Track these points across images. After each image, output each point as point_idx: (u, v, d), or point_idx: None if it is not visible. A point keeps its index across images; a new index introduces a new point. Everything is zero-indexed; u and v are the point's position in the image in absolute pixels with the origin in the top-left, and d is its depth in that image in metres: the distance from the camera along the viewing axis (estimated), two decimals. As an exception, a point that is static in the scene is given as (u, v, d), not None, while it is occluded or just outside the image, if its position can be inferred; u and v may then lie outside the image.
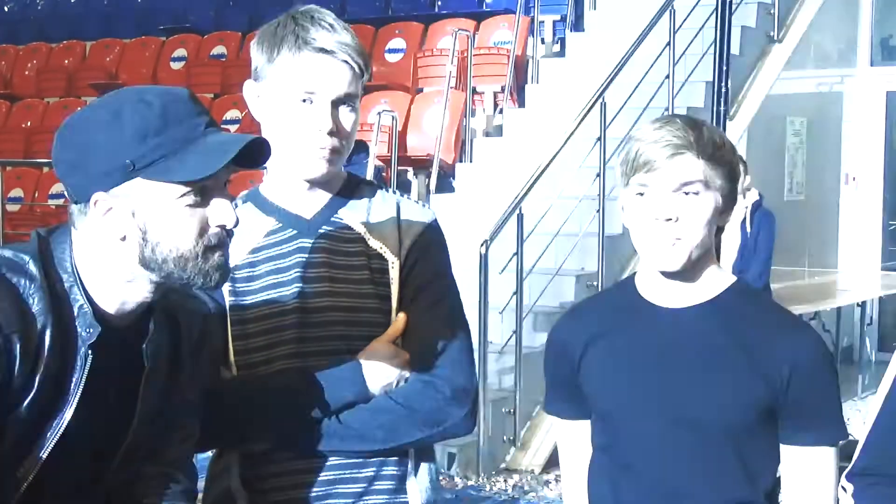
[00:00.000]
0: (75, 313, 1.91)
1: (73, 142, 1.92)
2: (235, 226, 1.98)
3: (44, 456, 1.92)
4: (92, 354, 1.92)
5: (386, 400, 2.32)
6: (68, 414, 1.92)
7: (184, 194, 1.90)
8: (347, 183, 2.44)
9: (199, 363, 2.14)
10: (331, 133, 2.29)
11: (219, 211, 1.94)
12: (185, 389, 2.13)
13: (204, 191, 1.92)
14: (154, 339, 2.01)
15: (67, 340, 1.91)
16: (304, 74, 2.28)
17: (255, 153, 1.93)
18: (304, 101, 2.28)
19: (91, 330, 1.91)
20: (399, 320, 2.36)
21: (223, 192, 1.96)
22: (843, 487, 2.23)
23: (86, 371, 1.92)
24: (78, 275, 1.93)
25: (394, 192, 2.48)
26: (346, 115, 2.31)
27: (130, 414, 2.01)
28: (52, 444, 1.92)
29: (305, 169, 2.32)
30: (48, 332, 1.88)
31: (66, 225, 1.98)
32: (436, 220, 2.46)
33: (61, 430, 1.92)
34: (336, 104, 2.30)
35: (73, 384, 1.92)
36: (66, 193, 1.95)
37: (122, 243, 1.91)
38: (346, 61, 2.29)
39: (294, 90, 2.28)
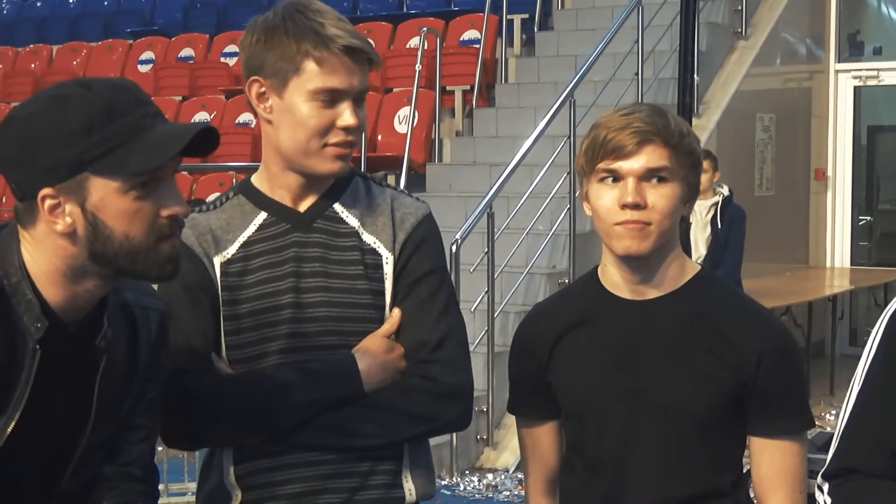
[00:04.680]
0: (23, 309, 1.89)
1: (15, 136, 1.87)
2: (186, 215, 1.96)
3: None
4: (41, 350, 1.89)
5: (381, 396, 2.31)
6: (17, 412, 1.89)
7: (133, 186, 1.87)
8: (341, 176, 2.41)
9: (158, 361, 2.12)
10: (353, 130, 2.29)
11: (168, 201, 1.91)
12: (144, 388, 2.10)
13: (153, 182, 1.89)
14: (108, 335, 1.98)
15: (15, 336, 1.88)
16: (331, 74, 2.26)
17: (202, 142, 1.91)
18: (328, 100, 2.27)
19: (39, 325, 1.89)
20: (394, 316, 2.35)
21: (172, 181, 1.93)
22: (819, 487, 2.23)
23: (34, 367, 1.89)
24: (26, 271, 1.90)
25: (386, 186, 2.47)
26: (361, 111, 2.32)
27: (86, 413, 1.98)
28: (2, 442, 1.89)
29: (328, 167, 2.31)
30: None
31: (13, 222, 1.95)
32: (430, 213, 2.45)
33: (10, 427, 1.89)
34: (355, 101, 2.30)
35: (21, 381, 1.89)
36: (10, 190, 1.91)
37: (71, 238, 1.88)
38: (369, 59, 2.30)
39: (320, 90, 2.26)
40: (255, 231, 2.37)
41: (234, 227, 2.38)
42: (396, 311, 2.36)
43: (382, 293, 2.36)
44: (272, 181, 2.39)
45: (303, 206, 2.38)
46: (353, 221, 2.38)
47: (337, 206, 2.39)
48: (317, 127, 2.28)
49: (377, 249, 2.37)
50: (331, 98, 2.27)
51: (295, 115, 2.29)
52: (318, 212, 2.38)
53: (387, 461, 2.36)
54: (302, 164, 2.32)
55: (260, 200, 2.39)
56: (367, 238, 2.37)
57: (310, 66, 2.26)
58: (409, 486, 2.38)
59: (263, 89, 2.31)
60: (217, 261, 2.35)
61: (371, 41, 2.33)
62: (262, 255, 2.35)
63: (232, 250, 2.36)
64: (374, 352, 2.32)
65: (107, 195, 1.86)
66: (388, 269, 2.37)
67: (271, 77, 2.30)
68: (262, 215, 2.38)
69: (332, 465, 2.32)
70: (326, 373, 2.29)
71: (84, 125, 1.84)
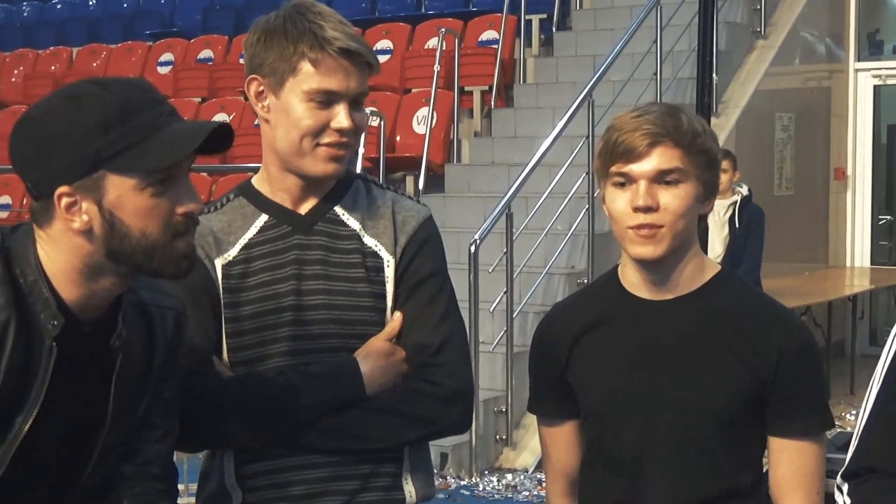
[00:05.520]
0: (40, 307, 1.90)
1: (30, 136, 1.89)
2: (200, 213, 1.97)
3: (13, 450, 1.91)
4: (57, 347, 1.90)
5: (384, 399, 2.32)
6: (35, 410, 1.91)
7: (150, 184, 1.88)
8: (342, 179, 2.42)
9: (174, 360, 2.13)
10: (348, 133, 2.29)
11: (184, 198, 1.93)
12: (161, 387, 2.11)
13: (169, 179, 1.91)
14: (123, 335, 1.99)
15: (32, 334, 1.89)
16: (326, 76, 2.27)
17: (217, 139, 1.93)
18: (322, 101, 2.28)
19: (56, 322, 1.90)
20: (396, 319, 2.36)
21: (186, 179, 1.95)
22: (838, 487, 2.22)
23: (51, 365, 1.90)
24: (42, 270, 1.91)
25: (388, 189, 2.48)
26: (358, 114, 2.32)
27: (103, 412, 2.00)
28: (20, 441, 1.91)
29: (320, 168, 2.32)
30: (11, 326, 1.87)
31: (28, 222, 1.96)
32: (431, 216, 2.45)
33: (28, 425, 1.91)
34: (351, 104, 2.30)
35: (38, 379, 1.90)
36: (27, 190, 1.92)
37: (88, 236, 1.89)
38: (366, 62, 2.30)
39: (315, 91, 2.27)
40: (257, 233, 2.38)
41: (236, 229, 2.38)
42: (398, 315, 2.36)
43: (383, 296, 2.36)
44: (272, 183, 2.40)
45: (303, 209, 2.39)
46: (354, 224, 2.39)
47: (338, 209, 2.40)
48: (309, 127, 2.29)
49: (378, 252, 2.37)
50: (326, 99, 2.28)
51: (290, 114, 2.30)
52: (320, 214, 2.39)
53: (387, 463, 2.36)
54: (296, 164, 2.33)
55: (261, 202, 2.40)
56: (369, 241, 2.38)
57: (305, 66, 2.27)
58: (409, 489, 2.39)
59: (262, 88, 2.33)
60: (218, 263, 2.36)
61: (370, 45, 2.34)
62: (264, 257, 2.36)
63: (233, 252, 2.37)
64: (375, 355, 2.32)
65: (124, 193, 1.88)
66: (390, 272, 2.37)
67: (269, 76, 2.31)
68: (264, 217, 2.39)
69: (332, 467, 2.33)
70: (329, 375, 2.30)
71: (100, 123, 1.85)
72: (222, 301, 2.35)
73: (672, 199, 2.23)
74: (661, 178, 2.23)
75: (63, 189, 1.86)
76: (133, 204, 1.88)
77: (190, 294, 2.30)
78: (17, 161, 1.91)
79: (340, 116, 2.28)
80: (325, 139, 2.29)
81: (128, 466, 2.12)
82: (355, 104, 2.31)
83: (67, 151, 1.85)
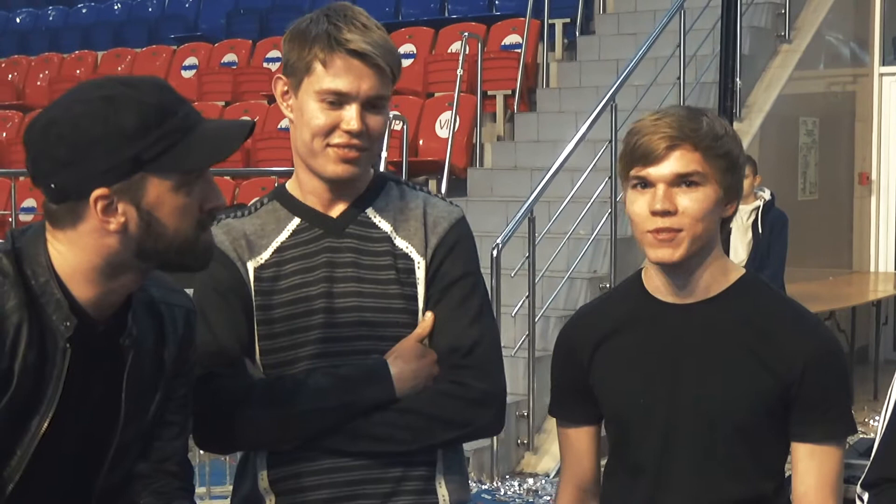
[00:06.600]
0: (52, 308, 1.91)
1: (63, 138, 1.86)
2: (222, 208, 2.00)
3: (30, 452, 1.92)
4: (71, 348, 1.91)
5: (413, 401, 2.32)
6: (51, 411, 1.92)
7: (185, 183, 1.90)
8: (374, 181, 2.43)
9: (186, 359, 2.14)
10: (359, 135, 2.30)
11: (210, 195, 1.96)
12: (174, 385, 2.12)
13: (199, 178, 1.93)
14: (133, 332, 2.00)
15: (45, 335, 1.91)
16: (336, 76, 2.28)
17: None
18: (334, 102, 2.29)
19: (69, 323, 1.91)
20: (427, 320, 2.36)
21: (209, 175, 1.97)
22: (859, 497, 2.21)
23: (66, 365, 1.92)
24: (54, 270, 1.92)
25: (420, 190, 2.48)
26: (374, 118, 2.32)
27: (117, 411, 2.01)
28: (37, 441, 1.92)
29: (331, 169, 2.33)
30: (24, 328, 1.88)
31: (38, 224, 1.97)
32: (463, 217, 2.45)
33: (45, 426, 1.92)
34: (366, 106, 2.30)
35: (53, 379, 1.92)
36: (45, 192, 1.90)
37: (120, 236, 1.90)
38: (377, 65, 2.29)
39: (325, 91, 2.28)
40: (289, 237, 2.39)
41: (269, 233, 2.40)
42: (429, 315, 2.36)
43: (415, 298, 2.37)
44: (302, 185, 2.41)
45: (335, 212, 2.40)
46: (385, 226, 2.40)
47: (369, 211, 2.40)
48: (319, 127, 2.30)
49: (409, 254, 2.38)
50: (337, 100, 2.29)
51: (304, 114, 2.32)
52: (351, 217, 2.40)
53: (420, 467, 2.36)
54: (311, 164, 2.35)
55: (293, 206, 2.42)
56: (400, 243, 2.38)
57: (318, 67, 2.29)
58: (442, 493, 2.39)
59: (286, 88, 2.36)
60: (251, 266, 2.37)
61: (391, 47, 2.33)
62: (295, 260, 2.37)
63: (265, 256, 2.38)
64: (406, 357, 2.32)
65: (162, 193, 1.89)
66: (421, 274, 2.37)
67: (291, 76, 2.34)
68: (296, 221, 2.40)
69: (364, 470, 2.33)
70: (358, 378, 2.30)
71: (140, 125, 1.86)
72: (254, 304, 2.36)
73: (690, 202, 2.23)
74: (679, 181, 2.23)
75: (100, 191, 1.86)
76: (171, 204, 1.90)
77: (222, 297, 2.32)
78: (44, 163, 1.89)
79: (350, 118, 2.29)
80: (335, 140, 2.30)
81: (145, 465, 2.13)
82: (371, 107, 2.31)
83: (106, 154, 1.85)
